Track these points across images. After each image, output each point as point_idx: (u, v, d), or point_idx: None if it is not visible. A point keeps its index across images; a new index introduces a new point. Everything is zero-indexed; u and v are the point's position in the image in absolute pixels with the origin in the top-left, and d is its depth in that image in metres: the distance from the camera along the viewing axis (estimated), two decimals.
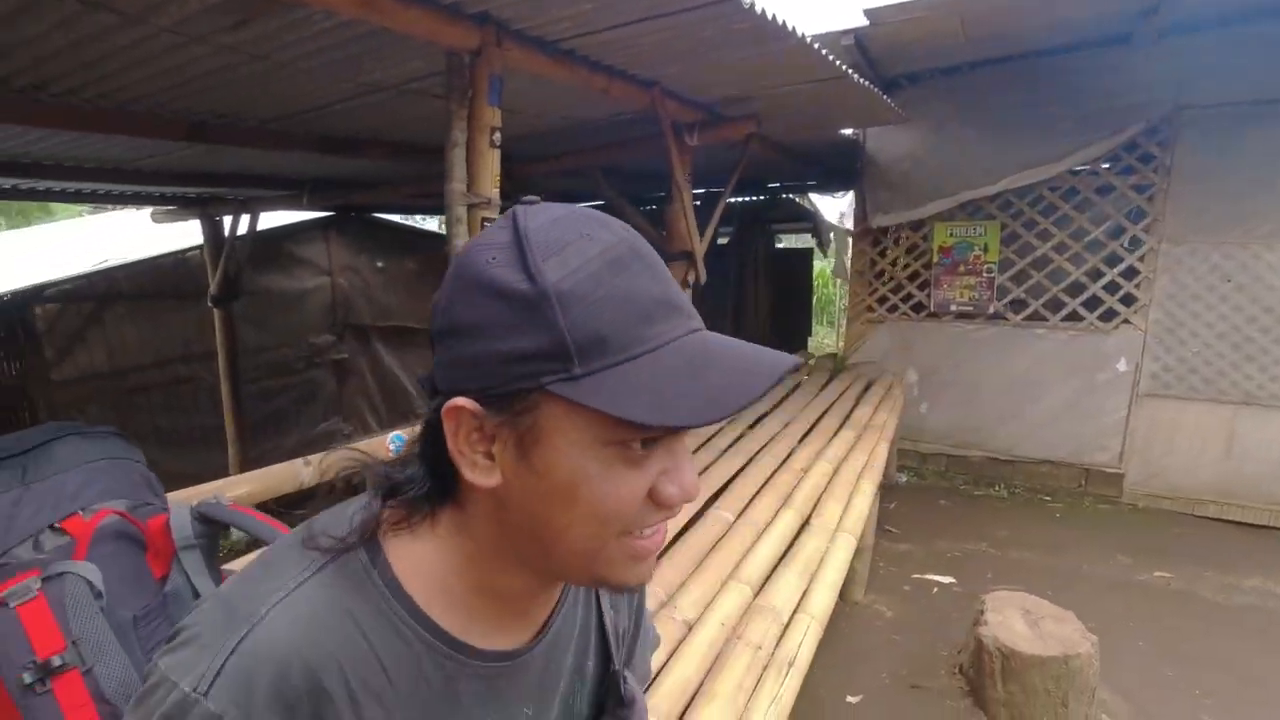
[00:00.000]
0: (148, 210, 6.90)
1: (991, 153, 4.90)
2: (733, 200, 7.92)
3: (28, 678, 0.85)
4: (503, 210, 2.51)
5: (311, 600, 0.50)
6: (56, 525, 1.00)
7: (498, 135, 2.41)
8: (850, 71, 3.17)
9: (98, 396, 6.49)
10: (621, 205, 4.53)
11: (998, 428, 5.27)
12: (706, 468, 3.33)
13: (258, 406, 7.23)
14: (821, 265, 13.15)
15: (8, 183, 4.70)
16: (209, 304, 6.49)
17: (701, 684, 1.94)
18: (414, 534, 0.54)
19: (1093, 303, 4.91)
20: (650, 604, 2.23)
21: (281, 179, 5.40)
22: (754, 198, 7.82)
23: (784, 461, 3.45)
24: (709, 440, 3.62)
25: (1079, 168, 4.83)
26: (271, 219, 6.98)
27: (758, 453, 3.50)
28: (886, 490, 5.08)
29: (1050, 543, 4.25)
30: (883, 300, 5.64)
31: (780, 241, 9.76)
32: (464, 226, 2.37)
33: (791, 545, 2.73)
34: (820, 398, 4.45)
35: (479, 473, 0.50)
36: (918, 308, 5.53)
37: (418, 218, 10.42)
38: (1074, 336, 4.99)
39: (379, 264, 8.36)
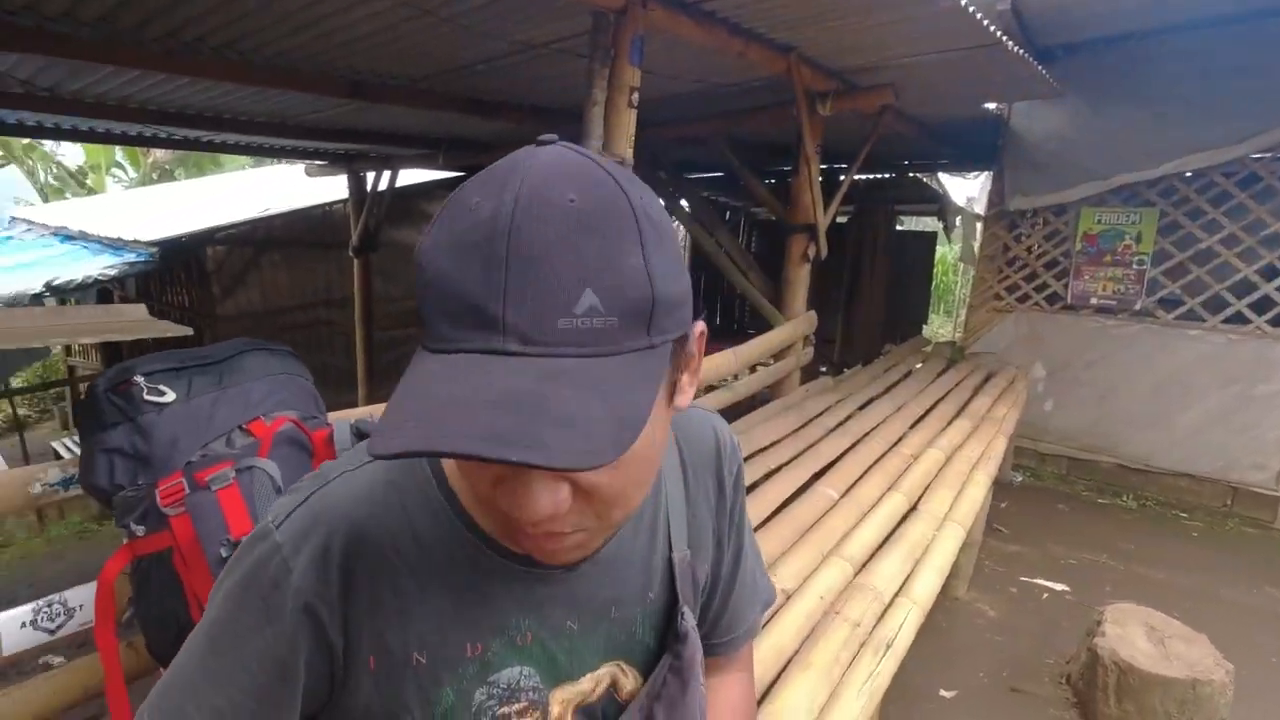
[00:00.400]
0: (302, 165, 7.48)
1: (1156, 132, 4.45)
2: (856, 178, 7.64)
3: (224, 553, 1.00)
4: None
5: (370, 475, 0.57)
6: (244, 426, 1.15)
7: (635, 96, 2.45)
8: (1004, 38, 2.98)
9: (252, 332, 7.17)
10: (746, 176, 4.48)
11: (1133, 434, 4.86)
12: (814, 444, 3.30)
13: (385, 352, 7.78)
14: (944, 250, 12.48)
15: (190, 134, 5.23)
16: (349, 254, 7.00)
17: (796, 652, 1.97)
18: None
19: (1262, 304, 4.40)
20: None
21: (421, 138, 5.71)
22: (879, 175, 7.50)
23: (894, 445, 3.36)
24: (816, 417, 3.58)
25: (1259, 154, 4.31)
26: (408, 177, 7.40)
27: (867, 434, 3.43)
28: (999, 488, 4.84)
29: (1183, 562, 3.92)
30: (1012, 288, 5.29)
31: (902, 223, 9.32)
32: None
33: (897, 528, 2.68)
34: (935, 385, 4.27)
35: None
36: (1052, 298, 5.15)
37: None
38: (1235, 341, 4.50)
39: None
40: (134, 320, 1.56)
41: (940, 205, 7.68)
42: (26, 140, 12.34)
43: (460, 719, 0.58)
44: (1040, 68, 3.55)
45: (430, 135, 5.61)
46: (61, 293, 6.17)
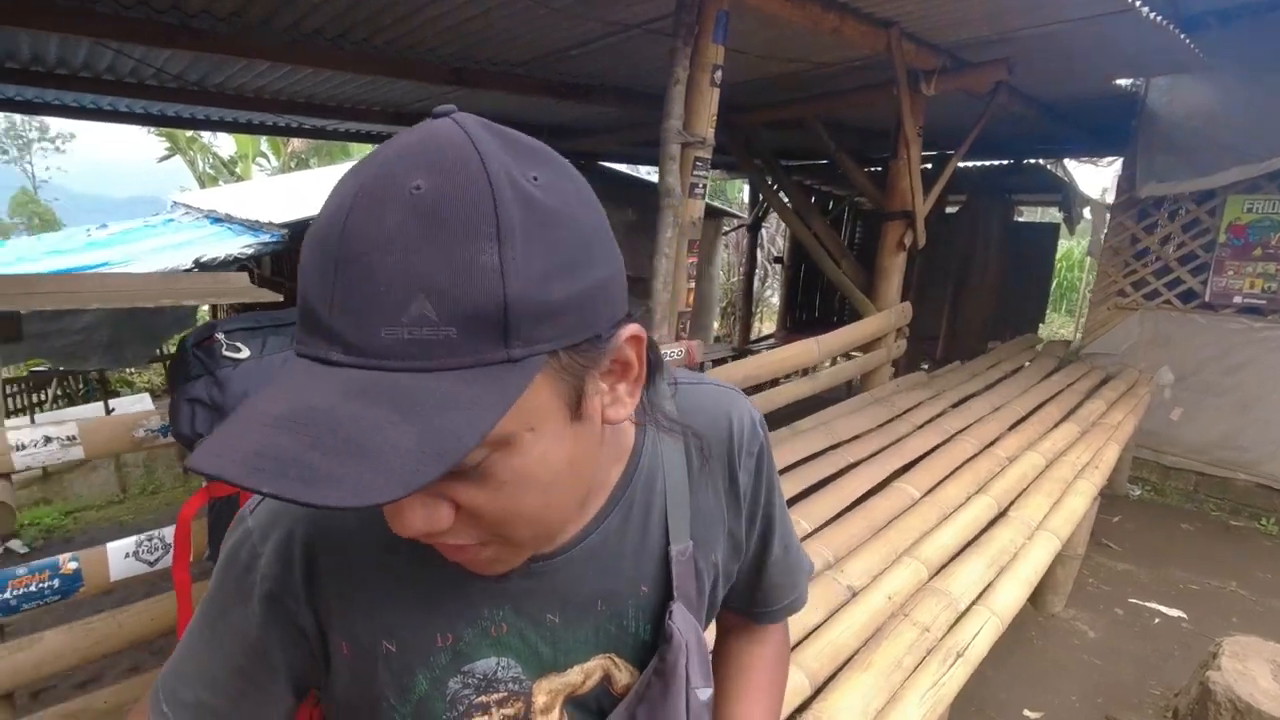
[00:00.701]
0: None
1: None
2: (966, 164, 7.18)
3: None
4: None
5: None
6: None
7: (719, 74, 2.42)
8: (1139, 3, 2.70)
9: None
10: (843, 160, 4.31)
11: (1278, 450, 4.32)
12: (899, 440, 3.16)
13: None
14: (1069, 246, 11.52)
15: (318, 123, 5.64)
16: None
17: (856, 653, 1.90)
18: None
19: None
20: (817, 564, 2.22)
21: (521, 124, 5.85)
22: (994, 162, 7.02)
23: (987, 447, 3.15)
24: (905, 412, 3.41)
25: None
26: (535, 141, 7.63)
27: (958, 433, 3.24)
28: (1110, 501, 4.45)
29: None
30: (1140, 284, 4.81)
31: (1021, 214, 8.69)
32: (676, 165, 2.43)
33: (982, 534, 2.52)
34: (1042, 386, 3.96)
35: None
36: (1186, 296, 4.64)
37: (642, 169, 10.77)
38: None
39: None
40: (235, 286, 1.72)
41: (1064, 195, 7.09)
42: (190, 133, 13.75)
43: (436, 706, 0.57)
44: (1184, 37, 3.20)
45: (531, 121, 5.76)
46: (207, 269, 6.84)
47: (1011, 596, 2.24)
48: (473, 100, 4.80)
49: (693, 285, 2.58)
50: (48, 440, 1.36)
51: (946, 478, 2.86)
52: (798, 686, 1.75)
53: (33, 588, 1.38)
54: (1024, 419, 3.51)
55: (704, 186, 2.50)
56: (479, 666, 0.57)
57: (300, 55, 3.32)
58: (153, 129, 11.41)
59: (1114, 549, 3.86)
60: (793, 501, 2.59)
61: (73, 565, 1.41)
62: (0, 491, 1.34)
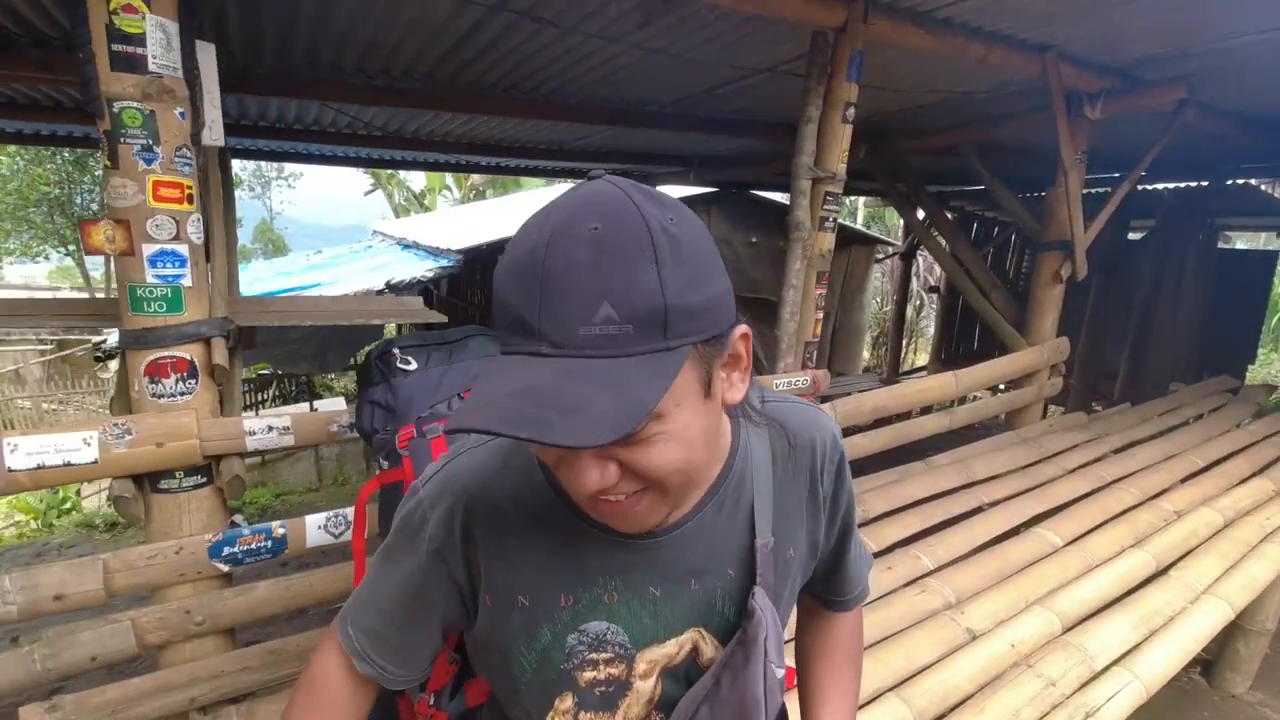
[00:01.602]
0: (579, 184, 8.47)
1: None
2: (1157, 187, 6.47)
3: None
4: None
5: (487, 452, 0.70)
6: (461, 395, 1.47)
7: (851, 111, 2.48)
8: None
9: None
10: (996, 188, 4.12)
11: None
12: (1044, 484, 2.97)
13: None
14: None
15: (492, 160, 6.29)
16: None
17: (970, 697, 1.86)
18: None
19: None
20: (935, 602, 2.18)
21: (674, 156, 6.17)
22: (1190, 184, 6.27)
23: (1151, 498, 2.88)
24: (1056, 455, 3.19)
25: None
26: (666, 192, 7.98)
27: (1116, 481, 2.99)
28: None
29: None
30: None
31: (1227, 240, 7.65)
32: (806, 199, 2.51)
33: (1133, 592, 2.33)
34: (1229, 436, 3.51)
35: None
36: None
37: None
38: None
39: (753, 239, 8.92)
40: (412, 309, 2.06)
41: None
42: (389, 171, 15.68)
43: (555, 656, 0.70)
44: None
45: (682, 154, 6.03)
46: (396, 289, 7.78)
47: (1161, 662, 2.06)
48: (626, 137, 5.15)
49: (820, 316, 2.64)
50: (270, 429, 1.73)
51: (1096, 528, 2.66)
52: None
53: (253, 546, 1.75)
54: (1202, 471, 3.15)
55: (834, 220, 2.56)
56: (592, 627, 0.70)
57: (480, 105, 3.79)
58: (361, 169, 13.22)
59: None
60: (915, 538, 2.54)
61: (281, 531, 1.77)
62: (236, 467, 1.71)
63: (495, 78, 3.48)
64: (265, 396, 10.18)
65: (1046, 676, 1.93)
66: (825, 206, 2.50)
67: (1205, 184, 6.12)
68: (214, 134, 1.61)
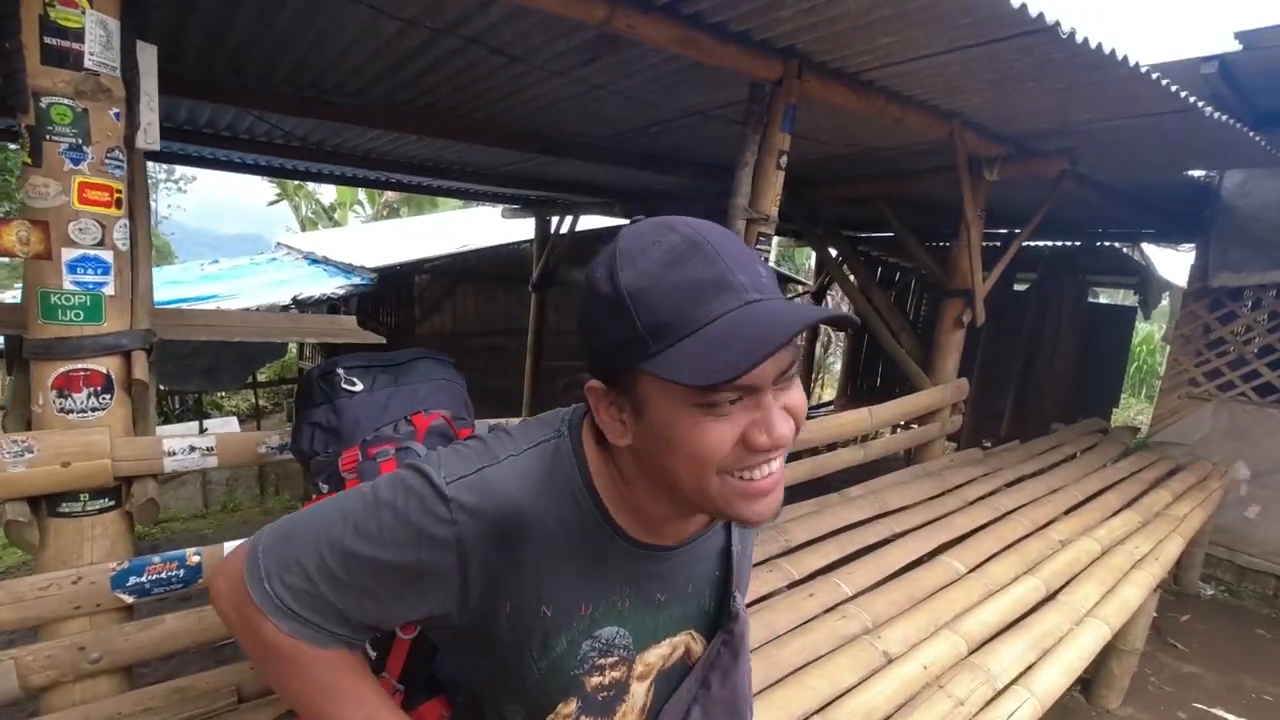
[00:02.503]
0: (499, 208, 8.43)
1: None
2: (1039, 244, 7.15)
3: None
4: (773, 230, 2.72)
5: (532, 461, 0.70)
6: (408, 418, 1.44)
7: (784, 159, 2.63)
8: (1201, 104, 2.79)
9: (442, 350, 8.13)
10: (906, 237, 4.44)
11: None
12: (947, 515, 3.18)
13: (551, 380, 8.41)
14: (1149, 329, 11.11)
15: (412, 179, 6.15)
16: (529, 289, 7.73)
17: (889, 718, 1.95)
18: (599, 449, 0.72)
19: None
20: (855, 627, 2.28)
21: (601, 188, 6.26)
22: (1066, 243, 6.96)
23: (1040, 529, 3.14)
24: (957, 488, 3.43)
25: None
26: (589, 222, 8.06)
27: (1009, 512, 3.24)
28: (1179, 599, 4.25)
29: None
30: (1213, 374, 4.68)
31: (1096, 295, 8.51)
32: (741, 239, 2.63)
33: (1027, 615, 2.52)
34: (1104, 472, 3.89)
35: (615, 434, 0.67)
36: (1264, 389, 4.48)
37: None
38: None
39: None
40: (346, 328, 1.99)
41: (1141, 278, 6.96)
42: (296, 182, 15.00)
43: (568, 663, 0.73)
44: (1252, 134, 3.24)
45: (610, 186, 6.13)
46: (303, 306, 7.41)
47: (1053, 680, 2.24)
48: (555, 166, 5.19)
49: None
50: (192, 449, 1.62)
51: (994, 556, 2.87)
52: None
53: (163, 575, 1.62)
54: (1082, 504, 3.46)
55: (765, 259, 2.68)
56: (604, 633, 0.73)
57: (413, 125, 3.73)
58: (267, 178, 12.59)
59: (1180, 649, 3.69)
60: (834, 566, 2.66)
61: (196, 558, 1.65)
62: (150, 489, 1.59)
63: (432, 99, 3.45)
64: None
65: (956, 696, 2.05)
66: (757, 246, 2.62)
67: (1078, 244, 6.82)
68: (149, 137, 1.52)
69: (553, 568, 0.70)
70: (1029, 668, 2.26)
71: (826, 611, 2.38)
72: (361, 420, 1.44)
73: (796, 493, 3.15)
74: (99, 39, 1.37)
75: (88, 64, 1.36)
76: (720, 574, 0.82)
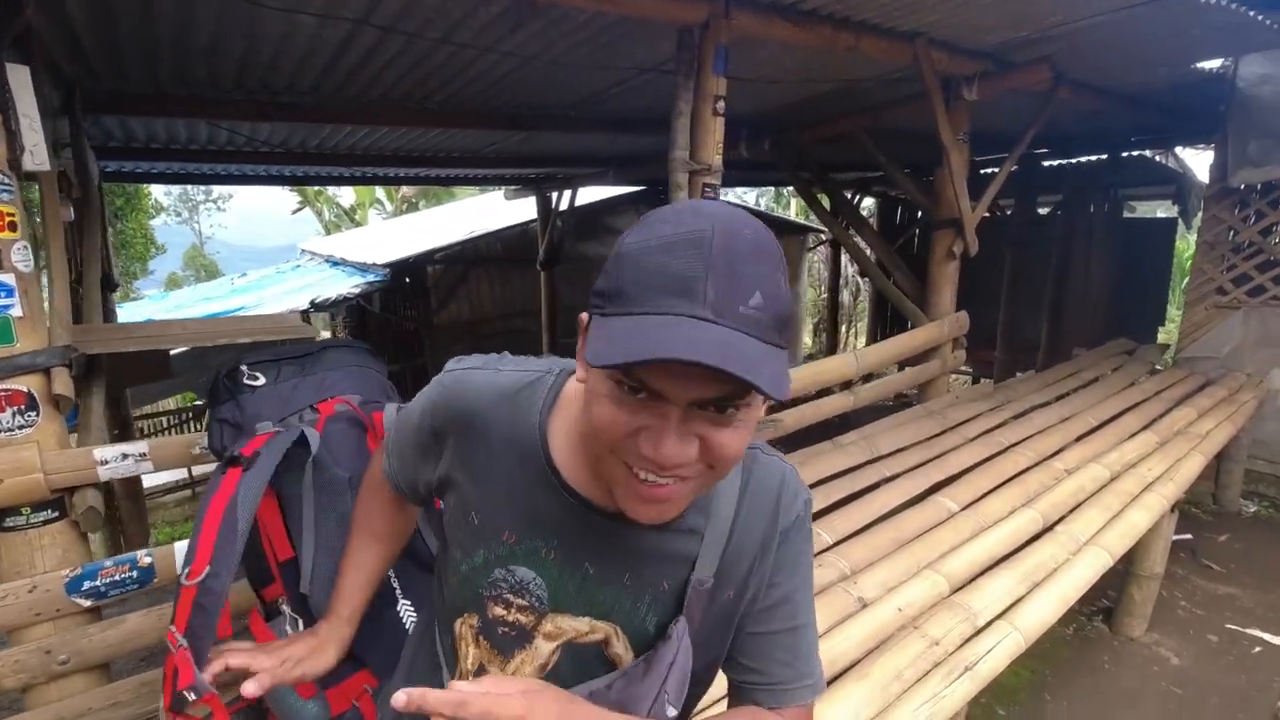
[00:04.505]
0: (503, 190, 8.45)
1: None
2: (1060, 163, 6.76)
3: None
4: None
5: (509, 380, 0.77)
6: (314, 406, 1.45)
7: (721, 104, 2.52)
8: None
9: (462, 339, 8.26)
10: (892, 171, 4.24)
11: None
12: (945, 453, 3.07)
13: (570, 358, 8.43)
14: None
15: (412, 171, 6.21)
16: (537, 267, 7.74)
17: (856, 663, 1.91)
18: (573, 396, 0.73)
19: None
20: (830, 575, 2.23)
21: (590, 158, 6.18)
22: (1090, 158, 6.56)
23: (1045, 459, 3.00)
24: (959, 425, 3.31)
25: None
26: (593, 194, 7.99)
27: (1012, 446, 3.11)
28: (1219, 518, 4.04)
29: None
30: (1241, 280, 4.35)
31: (1132, 210, 8.01)
32: (684, 193, 2.55)
33: (1021, 549, 2.43)
34: (1123, 394, 3.69)
35: (581, 368, 0.66)
36: None
37: (736, 191, 10.85)
38: None
39: None
40: (289, 325, 2.02)
41: (1178, 187, 6.52)
42: (316, 188, 15.33)
43: (481, 580, 0.75)
44: (1257, 14, 2.96)
45: (598, 155, 6.05)
46: (322, 308, 7.61)
47: (1041, 613, 2.15)
48: (538, 141, 5.14)
49: None
50: (125, 456, 1.68)
51: (991, 491, 2.76)
52: None
53: (117, 577, 1.69)
54: (1095, 430, 3.30)
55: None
56: (521, 571, 0.74)
57: (374, 117, 3.75)
58: (286, 187, 12.90)
59: (1216, 570, 3.51)
60: (819, 515, 2.60)
61: (148, 559, 1.72)
62: (90, 498, 1.66)
63: (383, 89, 3.44)
64: (200, 427, 9.88)
65: (931, 636, 1.99)
66: (704, 197, 2.54)
67: (1104, 157, 6.42)
68: (36, 159, 1.55)
69: (487, 479, 0.75)
70: (1017, 602, 2.17)
71: None
72: (264, 412, 1.45)
73: (787, 444, 3.09)
74: None
75: None
76: (669, 592, 0.74)
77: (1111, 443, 3.17)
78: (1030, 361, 6.87)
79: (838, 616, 2.05)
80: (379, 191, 14.92)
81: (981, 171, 6.05)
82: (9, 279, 1.51)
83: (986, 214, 4.35)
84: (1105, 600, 3.21)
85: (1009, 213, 7.37)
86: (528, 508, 0.73)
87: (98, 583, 1.67)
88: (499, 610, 0.75)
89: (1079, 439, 3.23)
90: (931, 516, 2.61)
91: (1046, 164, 6.79)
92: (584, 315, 0.64)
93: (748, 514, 0.75)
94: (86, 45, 2.57)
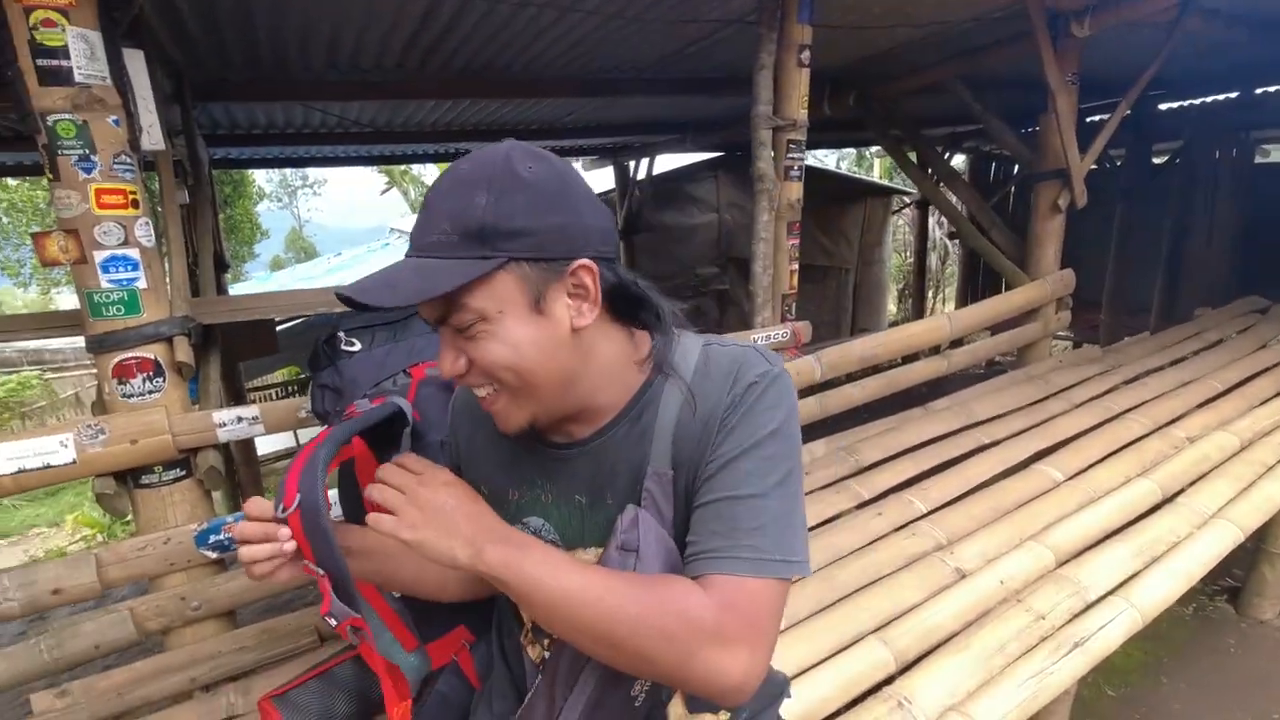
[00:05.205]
0: (581, 161, 8.45)
1: None
2: (1181, 104, 6.14)
3: None
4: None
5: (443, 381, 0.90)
6: (406, 370, 1.49)
7: (807, 54, 2.42)
8: None
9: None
10: (990, 122, 3.95)
11: None
12: (1048, 420, 2.89)
13: None
14: None
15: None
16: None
17: (955, 635, 1.84)
18: None
19: None
20: (925, 545, 2.16)
21: (667, 124, 6.09)
22: (1218, 98, 5.92)
23: (1161, 426, 2.78)
24: (1064, 390, 3.10)
25: None
26: (670, 162, 7.88)
27: (1125, 412, 2.89)
28: None
29: None
30: None
31: (1268, 155, 7.22)
32: (768, 149, 2.47)
33: (1135, 522, 2.27)
34: (1254, 357, 3.36)
35: None
36: None
37: (815, 154, 10.50)
38: None
39: None
40: None
41: None
42: (403, 168, 15.86)
43: None
44: None
45: (675, 120, 5.95)
46: None
47: (1159, 590, 2.00)
48: (614, 109, 5.10)
49: (795, 267, 2.60)
50: (240, 419, 1.79)
51: (1101, 460, 2.59)
52: (880, 661, 1.76)
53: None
54: (1220, 395, 3.02)
55: (800, 168, 2.51)
56: (531, 522, 0.83)
57: (454, 90, 3.80)
58: (375, 168, 13.41)
59: None
60: (909, 484, 2.51)
61: None
62: (211, 458, 1.78)
63: (463, 62, 3.48)
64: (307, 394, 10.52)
65: (1036, 610, 1.90)
66: (789, 155, 2.45)
67: (1233, 96, 5.79)
68: (152, 139, 1.65)
69: (484, 452, 0.87)
70: (1130, 577, 2.03)
71: (895, 530, 2.27)
72: (360, 378, 1.52)
73: (874, 410, 2.99)
74: (83, 52, 1.49)
75: (78, 78, 1.49)
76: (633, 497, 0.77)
77: (1241, 409, 2.90)
78: (1140, 325, 6.33)
79: (933, 588, 1.98)
80: None
81: (1086, 120, 5.58)
82: (134, 253, 1.62)
83: (1093, 165, 4.02)
84: (1230, 579, 2.97)
85: (1118, 163, 6.79)
86: (514, 463, 0.84)
87: (221, 537, 1.80)
88: None
89: (1202, 405, 2.97)
90: (1034, 486, 2.47)
91: (1163, 106, 6.19)
92: None
93: (697, 396, 0.75)
94: (192, 33, 2.71)
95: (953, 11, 3.24)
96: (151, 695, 1.72)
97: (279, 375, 11.57)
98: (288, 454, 9.13)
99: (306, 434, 2.04)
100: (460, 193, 0.66)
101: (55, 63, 1.47)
